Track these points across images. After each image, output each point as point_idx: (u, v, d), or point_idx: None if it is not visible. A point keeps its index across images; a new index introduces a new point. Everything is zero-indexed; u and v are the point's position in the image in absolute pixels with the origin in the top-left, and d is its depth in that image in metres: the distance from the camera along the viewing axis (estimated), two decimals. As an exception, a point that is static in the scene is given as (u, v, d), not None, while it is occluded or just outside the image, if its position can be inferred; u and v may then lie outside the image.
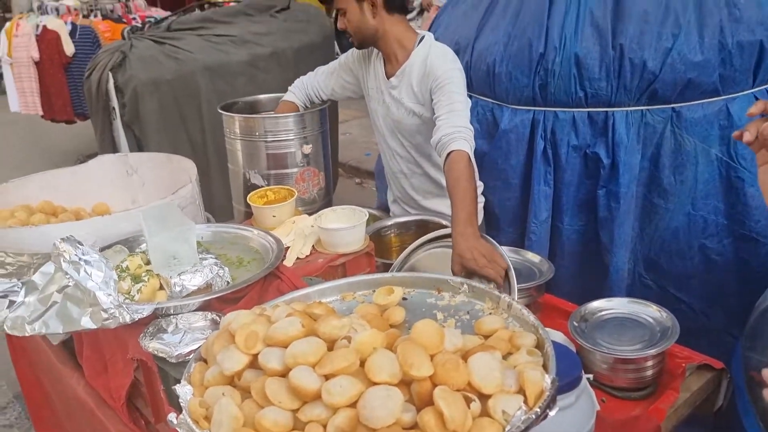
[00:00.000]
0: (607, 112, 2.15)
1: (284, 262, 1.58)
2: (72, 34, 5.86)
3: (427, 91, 2.01)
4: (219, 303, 1.37)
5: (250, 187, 2.29)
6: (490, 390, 0.91)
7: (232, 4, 4.12)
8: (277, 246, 1.55)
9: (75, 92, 5.90)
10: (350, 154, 6.04)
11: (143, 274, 1.38)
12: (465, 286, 1.32)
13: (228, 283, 1.42)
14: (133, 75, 3.42)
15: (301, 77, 2.38)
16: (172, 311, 1.31)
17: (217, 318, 1.30)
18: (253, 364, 1.01)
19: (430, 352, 0.96)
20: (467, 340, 1.09)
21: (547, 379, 0.94)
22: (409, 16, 8.07)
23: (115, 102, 3.53)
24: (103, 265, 1.28)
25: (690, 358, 1.57)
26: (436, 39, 2.53)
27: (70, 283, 1.25)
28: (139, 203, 2.15)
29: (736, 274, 2.12)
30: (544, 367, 1.03)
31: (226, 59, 3.51)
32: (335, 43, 4.75)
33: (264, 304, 1.29)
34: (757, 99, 2.14)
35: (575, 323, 1.58)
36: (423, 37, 2.08)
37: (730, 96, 2.11)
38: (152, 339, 1.24)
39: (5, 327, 1.25)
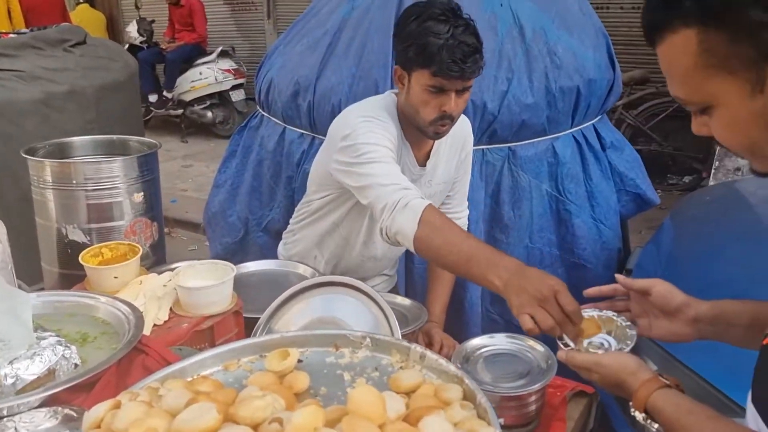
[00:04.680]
0: (451, 151, 2.21)
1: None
2: None
3: (457, 161, 1.79)
4: (68, 394, 1.09)
5: (67, 244, 1.94)
6: (454, 458, 0.81)
7: (12, 35, 3.58)
8: (133, 313, 1.29)
9: None
10: (154, 202, 5.58)
11: (-42, 368, 1.05)
12: (367, 339, 1.21)
13: (76, 365, 1.14)
14: None
15: None
16: (6, 413, 1.01)
17: (73, 413, 1.03)
18: (156, 470, 0.80)
19: (375, 423, 0.84)
20: (391, 399, 0.98)
21: (500, 435, 0.87)
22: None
23: None
24: None
25: (564, 386, 1.61)
26: (271, 78, 2.43)
27: None
28: None
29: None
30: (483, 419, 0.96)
31: (12, 97, 3.00)
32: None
33: (132, 388, 1.05)
34: (575, 139, 2.36)
35: (458, 363, 1.55)
36: None
37: (555, 135, 2.30)
38: (-15, 455, 0.94)
39: None
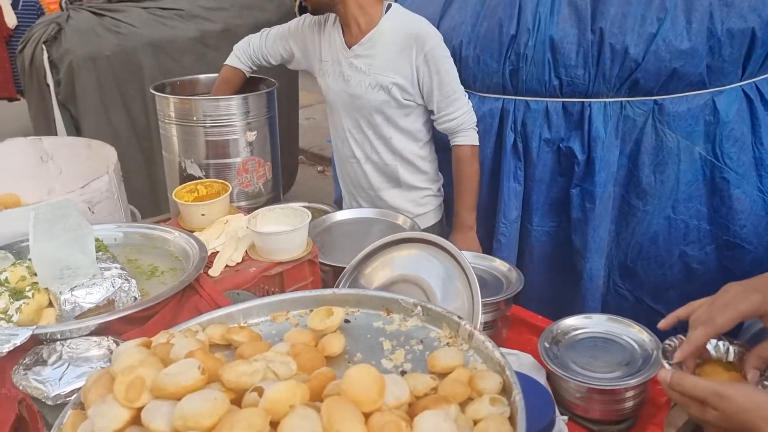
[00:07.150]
0: (583, 102, 1.95)
1: (209, 272, 1.34)
2: (14, 4, 5.46)
3: (411, 61, 1.86)
4: (121, 324, 1.13)
5: (186, 177, 2.04)
6: (441, 465, 0.69)
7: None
8: (199, 253, 1.30)
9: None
10: (313, 141, 5.80)
11: (27, 289, 1.13)
12: (419, 308, 1.10)
13: (135, 299, 1.18)
14: (69, 49, 3.11)
15: (248, 37, 2.16)
16: (58, 336, 1.07)
17: (116, 345, 1.06)
18: (138, 420, 0.78)
19: (365, 409, 0.75)
20: (417, 380, 0.88)
21: (515, 445, 0.73)
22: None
23: (50, 78, 3.21)
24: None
25: (674, 385, 1.38)
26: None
27: None
28: (56, 195, 1.88)
29: (719, 285, 1.93)
30: (511, 419, 0.82)
31: (172, 35, 3.21)
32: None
33: (174, 329, 1.06)
34: (745, 93, 1.97)
35: (546, 344, 1.38)
36: (390, 5, 1.90)
37: (717, 89, 1.93)
38: (26, 373, 1.00)
39: None
